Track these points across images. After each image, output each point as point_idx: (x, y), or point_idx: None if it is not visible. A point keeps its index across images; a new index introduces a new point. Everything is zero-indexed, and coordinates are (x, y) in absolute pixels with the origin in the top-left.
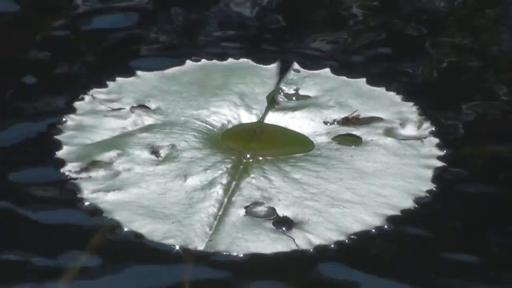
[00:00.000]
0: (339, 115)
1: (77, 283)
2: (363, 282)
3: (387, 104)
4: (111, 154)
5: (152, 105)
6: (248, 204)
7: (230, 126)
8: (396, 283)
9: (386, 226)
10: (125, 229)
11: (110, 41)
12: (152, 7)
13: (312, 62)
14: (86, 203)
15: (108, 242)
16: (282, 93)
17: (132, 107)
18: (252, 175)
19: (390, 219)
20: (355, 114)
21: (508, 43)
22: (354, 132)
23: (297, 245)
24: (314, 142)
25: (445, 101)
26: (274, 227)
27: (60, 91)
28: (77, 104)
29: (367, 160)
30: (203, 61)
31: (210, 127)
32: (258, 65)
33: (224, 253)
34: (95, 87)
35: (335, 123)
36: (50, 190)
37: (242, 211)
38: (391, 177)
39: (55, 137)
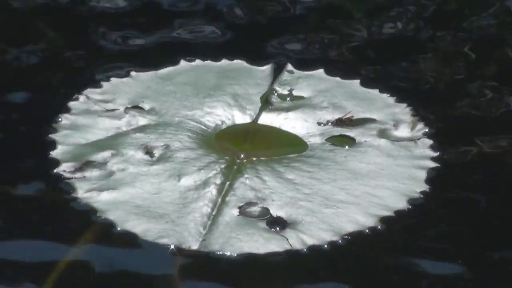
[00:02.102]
0: (333, 116)
1: (66, 281)
2: (356, 282)
3: (380, 105)
4: (106, 154)
5: (146, 106)
6: (241, 204)
7: (224, 126)
8: (390, 283)
9: (379, 227)
10: (119, 229)
11: (103, 41)
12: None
13: (306, 63)
14: (80, 203)
15: (100, 241)
16: (275, 94)
17: (127, 107)
18: (245, 176)
19: (384, 220)
20: (348, 115)
21: (501, 44)
22: (348, 133)
23: (290, 245)
24: (308, 143)
25: (438, 102)
26: (267, 227)
27: (55, 91)
28: (71, 104)
29: (361, 161)
30: (197, 61)
31: (204, 128)
32: (252, 66)
33: (218, 253)
34: (89, 87)
35: (329, 124)
36: (44, 190)
37: (236, 211)
38: (384, 178)
39: (50, 136)
